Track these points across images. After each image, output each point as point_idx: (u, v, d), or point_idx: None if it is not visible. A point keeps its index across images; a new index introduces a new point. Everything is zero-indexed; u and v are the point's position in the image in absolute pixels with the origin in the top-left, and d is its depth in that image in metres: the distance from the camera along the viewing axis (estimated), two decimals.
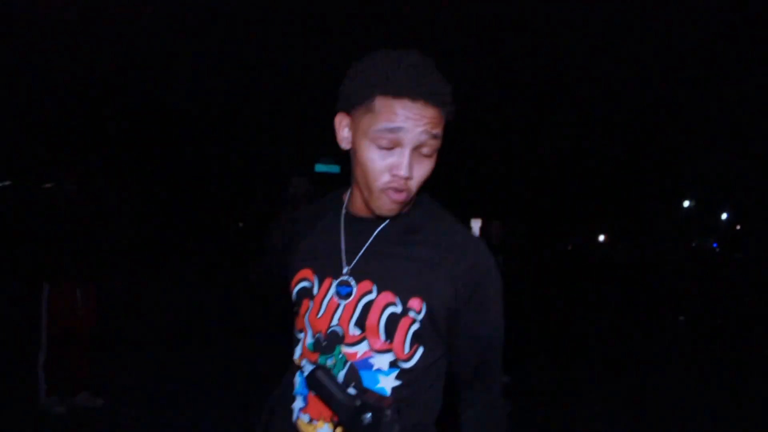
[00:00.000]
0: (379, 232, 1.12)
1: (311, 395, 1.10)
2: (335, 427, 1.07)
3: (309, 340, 1.13)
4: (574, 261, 22.96)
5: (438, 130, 1.03)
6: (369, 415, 0.96)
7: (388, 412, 0.92)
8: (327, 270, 1.13)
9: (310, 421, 1.10)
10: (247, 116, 21.30)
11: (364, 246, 1.11)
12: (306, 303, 1.14)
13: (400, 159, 1.03)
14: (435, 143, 1.04)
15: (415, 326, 1.06)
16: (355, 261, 1.11)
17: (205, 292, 10.35)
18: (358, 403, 1.00)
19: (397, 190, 1.05)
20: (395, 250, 1.10)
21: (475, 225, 13.13)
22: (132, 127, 18.39)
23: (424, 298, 1.06)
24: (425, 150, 1.04)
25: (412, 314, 1.06)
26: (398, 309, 1.06)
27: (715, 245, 30.16)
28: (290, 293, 1.18)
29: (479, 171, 25.37)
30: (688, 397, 5.38)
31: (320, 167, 21.12)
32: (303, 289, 1.15)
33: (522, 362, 6.09)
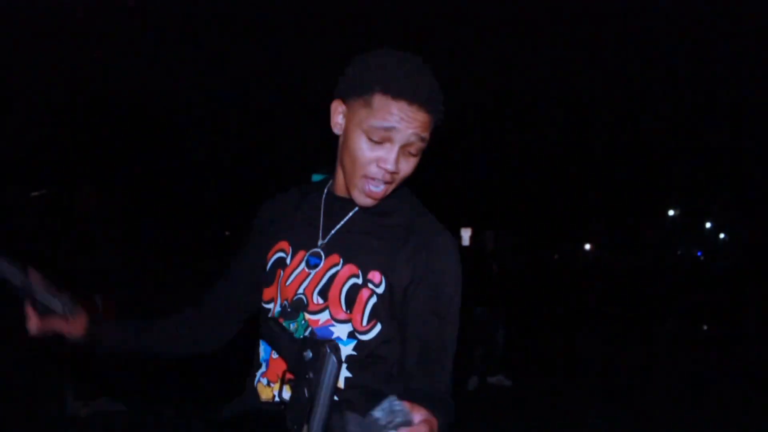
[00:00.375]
0: (356, 212, 1.19)
1: (271, 359, 1.15)
2: (281, 382, 1.12)
3: (277, 308, 1.18)
4: (561, 269, 23.10)
5: (427, 134, 1.12)
6: (309, 352, 1.00)
7: (327, 347, 0.95)
8: (302, 242, 1.20)
9: (268, 383, 1.16)
10: (244, 124, 21.27)
11: (339, 223, 1.19)
12: (278, 272, 1.20)
13: (389, 154, 1.11)
14: (422, 145, 1.13)
15: (374, 299, 1.12)
16: (329, 236, 1.18)
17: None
18: (300, 341, 1.05)
19: (378, 183, 1.13)
20: (365, 229, 1.17)
21: (465, 234, 13.17)
22: (118, 134, 18.27)
23: (383, 272, 1.12)
24: (412, 150, 1.12)
25: (371, 286, 1.12)
26: (359, 280, 1.13)
27: (699, 254, 30.50)
28: (265, 267, 1.23)
29: (468, 180, 25.48)
30: (677, 402, 5.43)
31: (317, 177, 21.07)
32: (278, 259, 1.22)
33: (516, 367, 6.13)
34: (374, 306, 1.12)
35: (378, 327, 1.12)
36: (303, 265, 1.18)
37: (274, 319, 1.14)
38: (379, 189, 1.13)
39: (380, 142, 1.11)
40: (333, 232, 1.18)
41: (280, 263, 1.21)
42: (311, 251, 1.18)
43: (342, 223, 1.19)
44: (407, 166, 1.14)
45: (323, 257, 1.16)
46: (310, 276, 1.16)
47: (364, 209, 1.18)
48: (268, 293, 1.21)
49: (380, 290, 1.12)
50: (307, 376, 0.99)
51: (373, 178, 1.12)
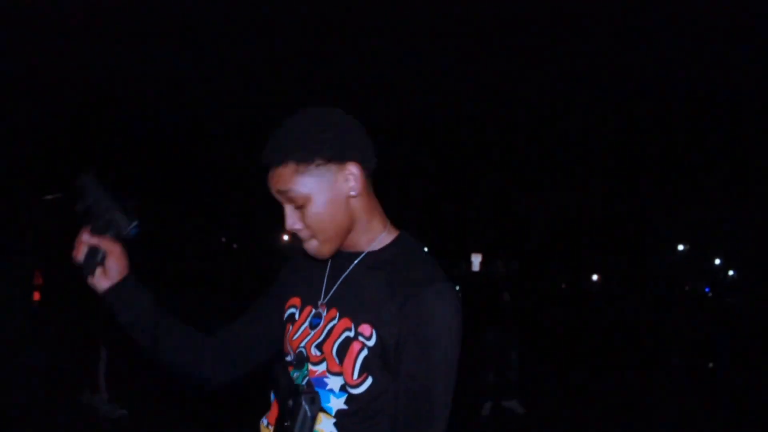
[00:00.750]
0: (354, 265, 1.20)
1: (273, 402, 1.20)
2: (275, 426, 1.16)
3: (289, 357, 1.24)
4: (570, 299, 23.08)
5: (287, 185, 1.13)
6: (291, 401, 1.07)
7: (303, 397, 1.01)
8: (309, 298, 1.25)
9: (267, 425, 1.21)
10: (241, 129, 21.42)
11: (340, 278, 1.21)
12: (288, 326, 1.26)
13: (286, 218, 1.17)
14: (294, 195, 1.13)
15: (365, 352, 1.11)
16: (331, 292, 1.21)
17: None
18: (288, 388, 1.12)
19: (304, 241, 1.19)
20: (361, 282, 1.18)
21: (476, 260, 13.23)
22: (123, 142, 18.47)
23: (373, 325, 1.12)
24: (294, 204, 1.15)
25: (362, 339, 1.12)
26: (351, 333, 1.14)
27: (707, 289, 30.30)
28: (282, 320, 1.29)
29: (476, 207, 25.59)
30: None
31: None
32: (290, 314, 1.27)
33: (530, 393, 6.21)
34: (365, 359, 1.11)
35: (369, 380, 1.12)
36: (307, 323, 1.22)
37: (281, 363, 1.20)
38: (308, 243, 1.18)
39: (278, 202, 1.19)
40: (334, 288, 1.21)
41: (291, 318, 1.27)
42: (314, 312, 1.22)
43: (342, 278, 1.21)
44: (308, 218, 1.15)
45: (323, 316, 1.20)
46: (310, 335, 1.20)
47: (363, 260, 1.20)
48: (285, 345, 1.27)
49: (371, 343, 1.11)
50: (285, 424, 1.06)
51: (300, 237, 1.19)
